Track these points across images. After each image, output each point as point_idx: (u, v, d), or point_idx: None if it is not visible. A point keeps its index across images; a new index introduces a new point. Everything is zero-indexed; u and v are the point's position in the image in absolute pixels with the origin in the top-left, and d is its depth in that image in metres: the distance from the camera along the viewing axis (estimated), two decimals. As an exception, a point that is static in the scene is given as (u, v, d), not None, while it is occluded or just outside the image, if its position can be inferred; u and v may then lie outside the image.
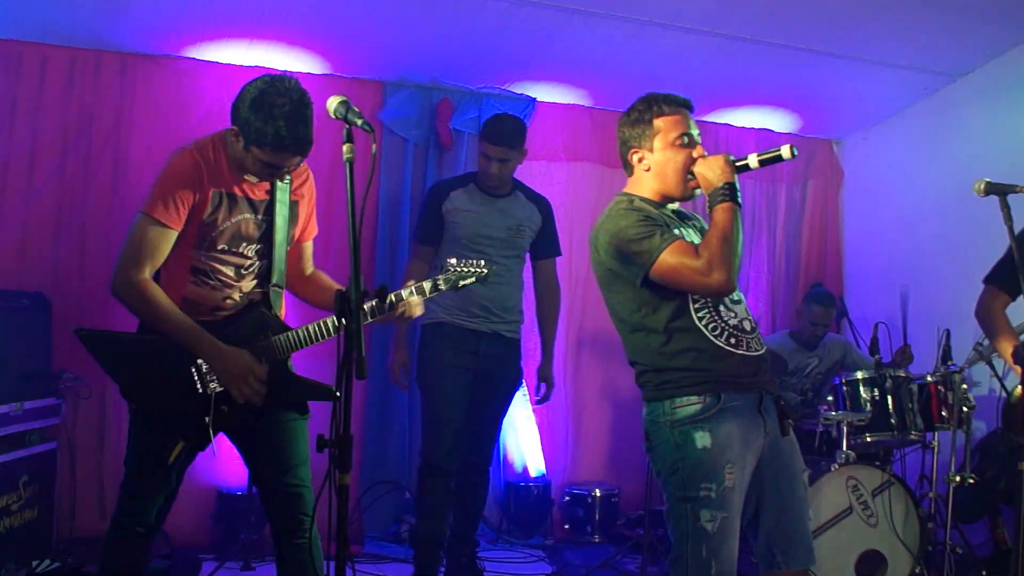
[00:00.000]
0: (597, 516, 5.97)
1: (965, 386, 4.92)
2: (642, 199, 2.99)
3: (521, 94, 6.03)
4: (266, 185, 3.15)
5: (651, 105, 2.99)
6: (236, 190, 3.09)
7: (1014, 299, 3.93)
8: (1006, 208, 3.28)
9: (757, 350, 2.93)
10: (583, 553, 5.64)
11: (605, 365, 6.16)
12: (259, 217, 3.15)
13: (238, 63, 5.38)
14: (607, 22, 5.16)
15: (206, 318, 3.06)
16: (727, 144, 6.53)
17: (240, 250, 3.12)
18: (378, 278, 5.68)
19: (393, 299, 3.13)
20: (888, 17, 5.20)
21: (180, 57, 5.33)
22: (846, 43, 5.49)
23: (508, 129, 4.61)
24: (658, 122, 2.97)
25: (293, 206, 3.25)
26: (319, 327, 3.11)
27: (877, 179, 6.73)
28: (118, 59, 5.24)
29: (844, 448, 4.68)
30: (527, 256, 4.93)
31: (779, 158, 2.87)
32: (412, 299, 3.18)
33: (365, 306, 3.02)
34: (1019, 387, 4.16)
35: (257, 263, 3.18)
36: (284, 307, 3.32)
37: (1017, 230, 3.41)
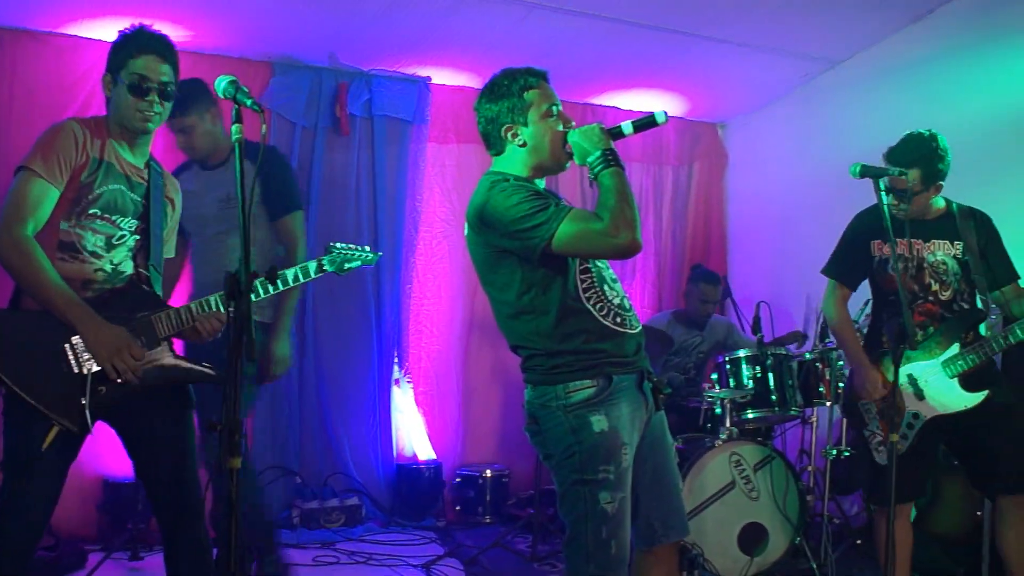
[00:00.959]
0: (488, 497, 6.03)
1: (842, 363, 5.11)
2: (516, 177, 2.96)
3: (413, 75, 6.02)
4: (144, 172, 3.13)
5: (516, 78, 2.97)
6: (115, 161, 3.06)
7: (853, 290, 4.09)
8: (879, 191, 3.40)
9: (636, 327, 2.95)
10: (474, 534, 5.68)
11: (495, 348, 6.20)
12: (135, 196, 3.10)
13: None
14: (498, 5, 5.18)
15: (81, 294, 2.95)
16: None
17: (112, 219, 3.04)
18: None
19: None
20: (770, 5, 5.33)
21: (61, 34, 5.18)
22: (730, 29, 5.61)
23: (180, 96, 3.91)
24: (528, 94, 2.94)
25: (165, 204, 3.22)
26: (200, 305, 3.06)
27: (760, 162, 6.93)
28: (-5, 33, 5.07)
29: (728, 425, 4.79)
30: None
31: (653, 122, 2.90)
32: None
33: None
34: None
35: (131, 238, 3.10)
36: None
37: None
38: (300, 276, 3.22)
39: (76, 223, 2.99)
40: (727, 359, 5.13)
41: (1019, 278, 3.93)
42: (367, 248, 3.37)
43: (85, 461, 4.96)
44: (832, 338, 5.16)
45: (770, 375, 4.95)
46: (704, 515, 4.59)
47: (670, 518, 2.98)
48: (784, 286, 6.30)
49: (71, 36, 5.20)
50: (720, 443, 4.69)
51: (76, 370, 2.91)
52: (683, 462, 4.60)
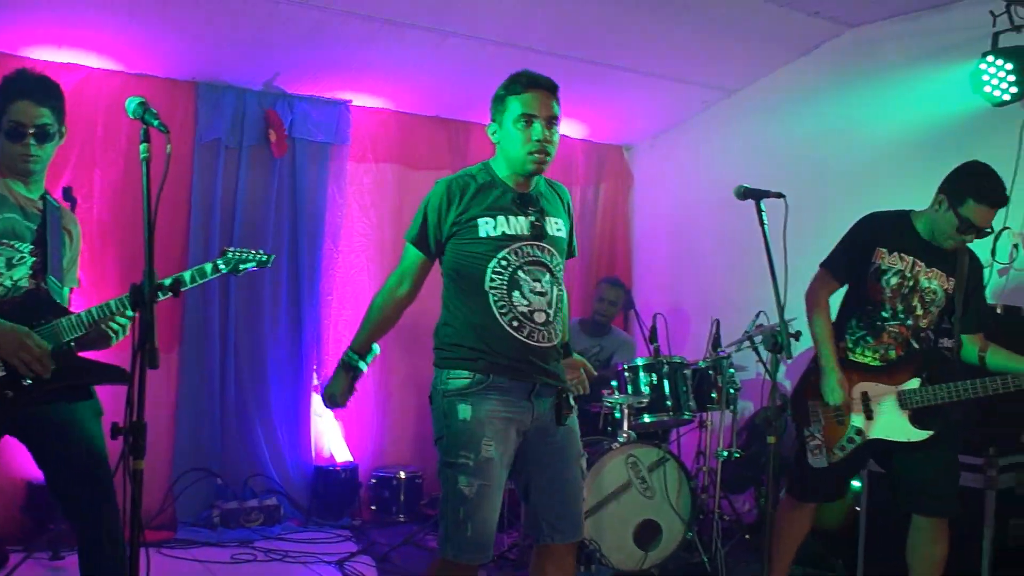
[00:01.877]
0: (402, 497, 6.24)
1: (733, 370, 5.46)
2: (488, 169, 3.20)
3: (333, 98, 6.22)
4: (39, 204, 3.28)
5: (511, 83, 3.14)
6: (8, 194, 3.20)
7: (841, 286, 4.07)
8: (759, 211, 3.50)
9: (540, 342, 3.09)
10: (389, 532, 5.86)
11: (411, 355, 6.38)
12: (30, 224, 3.23)
13: (50, 59, 5.32)
14: (414, 33, 5.41)
15: None
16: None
17: (11, 243, 3.18)
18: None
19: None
20: (672, 37, 5.69)
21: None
22: (635, 59, 5.96)
23: None
24: (511, 99, 3.11)
25: (63, 234, 3.35)
26: (101, 309, 3.17)
27: (663, 182, 7.27)
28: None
29: (625, 428, 5.03)
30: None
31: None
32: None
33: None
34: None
35: (30, 259, 3.23)
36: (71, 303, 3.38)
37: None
38: (197, 277, 3.34)
39: None
40: (626, 367, 5.35)
41: (985, 330, 4.00)
42: (261, 251, 3.55)
43: (8, 464, 5.10)
44: (723, 348, 5.52)
45: (666, 382, 5.20)
46: (602, 513, 4.80)
47: (560, 522, 3.16)
48: (684, 298, 6.65)
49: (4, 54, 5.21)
50: (617, 446, 4.90)
51: None
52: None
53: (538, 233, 3.14)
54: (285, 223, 6.19)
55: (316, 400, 6.29)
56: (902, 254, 3.91)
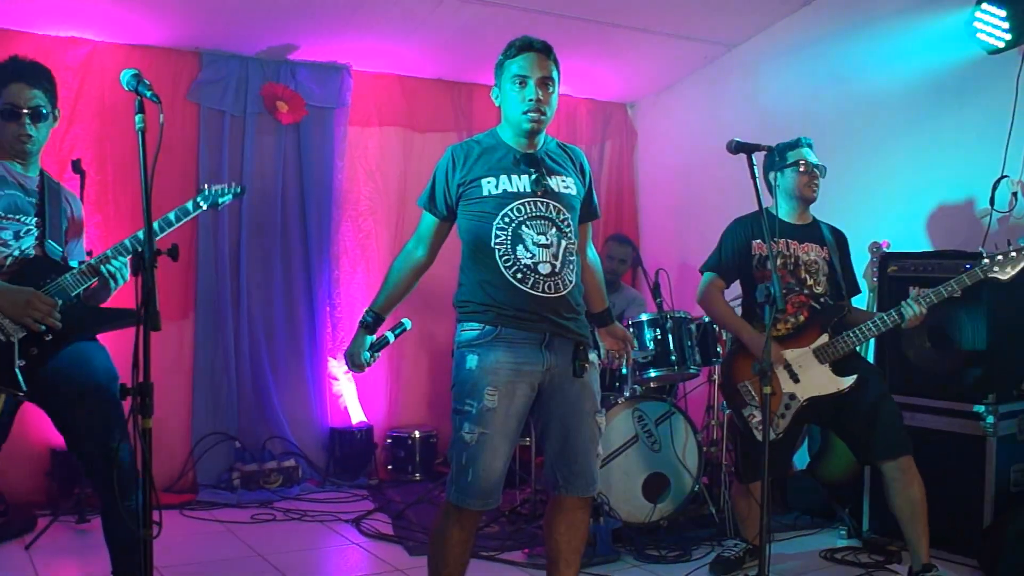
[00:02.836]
0: (417, 456, 6.37)
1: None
2: (494, 135, 3.32)
3: (335, 63, 6.27)
4: (37, 181, 3.44)
5: (507, 48, 3.26)
6: (6, 174, 3.35)
7: (728, 286, 4.43)
8: (751, 164, 3.58)
9: (547, 292, 3.16)
10: (404, 491, 5.98)
11: (422, 317, 6.30)
12: (31, 199, 3.38)
13: (55, 35, 5.42)
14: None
15: None
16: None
17: (15, 217, 3.33)
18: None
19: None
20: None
21: None
22: (635, 17, 5.97)
23: None
24: (507, 63, 3.24)
25: (64, 205, 3.50)
26: (98, 258, 3.32)
27: (666, 139, 7.30)
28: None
29: (631, 383, 5.11)
30: None
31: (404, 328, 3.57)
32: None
33: None
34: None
35: (35, 230, 3.38)
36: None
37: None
38: (181, 216, 3.48)
39: None
40: (631, 323, 5.37)
41: (859, 293, 4.49)
42: (234, 184, 3.71)
43: (31, 432, 5.23)
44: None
45: (670, 336, 5.22)
46: (610, 467, 4.87)
47: (572, 477, 3.26)
48: (689, 254, 6.66)
49: (1, 30, 5.30)
50: (624, 400, 4.99)
51: (3, 339, 3.19)
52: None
53: (540, 189, 3.21)
54: (292, 189, 6.26)
55: (330, 363, 6.40)
56: (775, 239, 4.22)
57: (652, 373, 5.24)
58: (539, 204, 3.21)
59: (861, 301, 4.85)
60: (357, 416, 6.46)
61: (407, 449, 6.38)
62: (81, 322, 3.35)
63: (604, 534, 4.66)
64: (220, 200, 3.61)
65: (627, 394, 5.07)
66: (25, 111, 3.33)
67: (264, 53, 6.03)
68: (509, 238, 3.17)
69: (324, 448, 6.34)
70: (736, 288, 4.52)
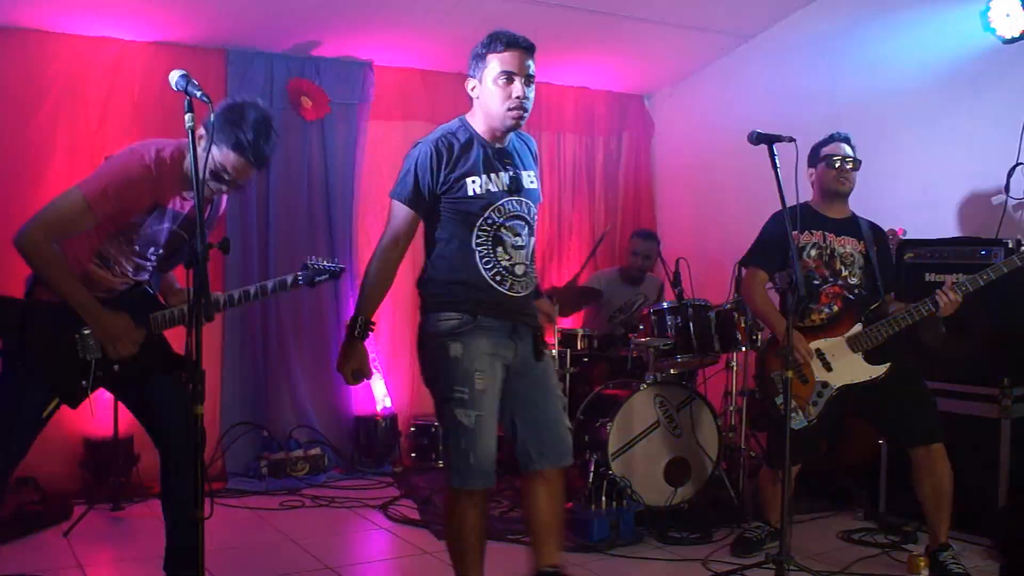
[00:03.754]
0: (440, 444, 6.31)
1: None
2: (466, 127, 3.32)
3: (358, 58, 6.36)
4: (191, 203, 3.45)
5: (491, 41, 3.24)
6: (170, 204, 3.41)
7: (771, 276, 4.43)
8: (772, 155, 3.72)
9: (519, 292, 3.29)
10: (428, 477, 6.08)
11: None
12: (174, 228, 3.47)
13: (85, 33, 5.52)
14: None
15: (97, 294, 3.35)
16: (548, 99, 7.07)
17: (147, 255, 3.45)
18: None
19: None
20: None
21: (25, 29, 5.40)
22: (651, 9, 6.04)
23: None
24: (490, 57, 3.23)
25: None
26: (182, 310, 3.46)
27: (683, 130, 7.37)
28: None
29: (652, 370, 5.20)
30: None
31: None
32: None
33: None
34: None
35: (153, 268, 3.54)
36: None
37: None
38: (278, 288, 3.66)
39: (116, 248, 3.40)
40: (652, 311, 5.45)
41: (899, 287, 4.51)
42: (336, 261, 3.80)
43: (67, 423, 5.29)
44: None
45: (690, 324, 5.26)
46: (632, 451, 4.97)
47: (544, 448, 3.35)
48: (707, 243, 6.75)
49: (35, 31, 5.41)
50: (645, 387, 5.06)
51: (81, 355, 3.35)
52: (612, 405, 5.03)
53: (516, 187, 3.30)
54: (317, 183, 6.35)
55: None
56: (812, 231, 4.37)
57: (674, 359, 5.28)
58: (515, 203, 3.30)
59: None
60: (381, 405, 6.55)
61: (431, 437, 6.45)
62: (155, 359, 3.50)
63: (627, 517, 4.75)
64: (316, 279, 3.69)
65: (648, 380, 5.13)
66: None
67: (289, 50, 6.11)
68: (490, 240, 3.25)
69: (349, 437, 6.44)
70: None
